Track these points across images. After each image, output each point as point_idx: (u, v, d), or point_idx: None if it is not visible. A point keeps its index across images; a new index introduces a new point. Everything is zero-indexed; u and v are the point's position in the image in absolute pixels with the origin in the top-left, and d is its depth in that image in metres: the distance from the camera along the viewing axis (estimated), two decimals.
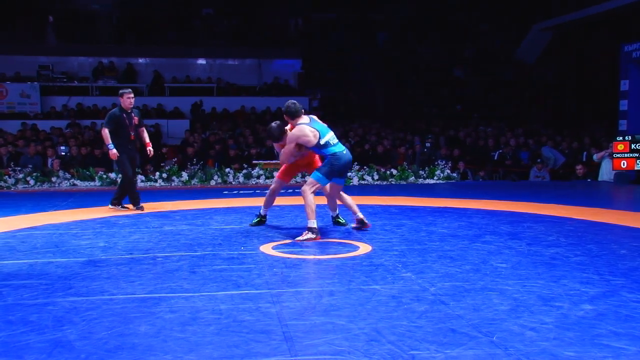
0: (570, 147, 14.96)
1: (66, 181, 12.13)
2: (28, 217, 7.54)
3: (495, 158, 14.35)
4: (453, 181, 12.96)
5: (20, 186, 11.56)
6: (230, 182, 12.47)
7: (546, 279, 4.17)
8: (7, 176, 11.64)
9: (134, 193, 8.13)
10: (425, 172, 13.06)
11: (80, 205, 8.81)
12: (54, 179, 12.07)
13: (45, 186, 11.86)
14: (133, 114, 7.92)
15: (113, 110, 7.96)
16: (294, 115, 6.00)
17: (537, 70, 22.55)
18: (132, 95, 7.92)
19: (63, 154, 13.59)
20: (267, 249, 5.39)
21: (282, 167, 6.64)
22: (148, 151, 8.13)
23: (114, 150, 7.72)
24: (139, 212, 7.94)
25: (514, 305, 3.54)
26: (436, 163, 13.35)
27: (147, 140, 8.16)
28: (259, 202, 9.24)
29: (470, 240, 5.76)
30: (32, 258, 5.04)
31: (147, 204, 8.49)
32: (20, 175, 11.69)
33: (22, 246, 5.61)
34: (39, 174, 12.01)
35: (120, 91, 7.99)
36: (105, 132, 7.74)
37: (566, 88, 22.01)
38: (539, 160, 13.74)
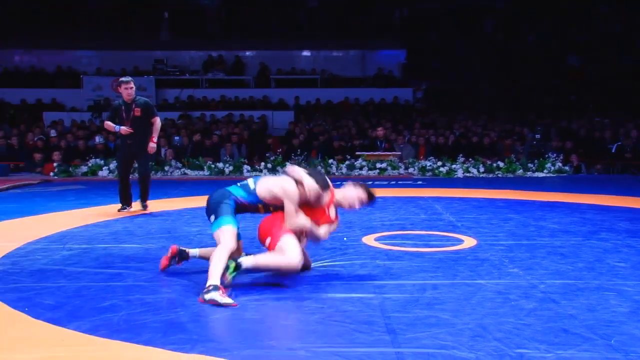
0: None
1: (178, 170, 12.76)
2: None
3: (613, 151, 13.48)
4: (565, 175, 12.34)
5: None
6: (334, 173, 12.58)
7: None
8: None
9: (123, 192, 7.31)
10: (534, 165, 12.52)
11: (190, 193, 9.23)
12: (166, 168, 12.73)
13: (159, 175, 12.54)
14: (134, 106, 7.12)
15: (118, 101, 7.33)
16: None
17: None
18: (131, 85, 7.12)
19: (177, 144, 14.29)
20: (369, 240, 5.38)
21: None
22: (149, 147, 7.25)
23: (124, 127, 7.05)
24: (125, 214, 7.12)
25: (634, 308, 3.31)
26: (547, 155, 12.76)
27: (153, 134, 7.27)
28: None
29: (583, 236, 5.46)
30: (147, 243, 5.35)
31: None
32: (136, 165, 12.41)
33: (139, 231, 5.97)
34: (153, 163, 12.70)
35: (119, 80, 7.39)
36: (106, 123, 7.24)
37: None
38: None
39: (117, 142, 7.58)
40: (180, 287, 3.83)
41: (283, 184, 3.94)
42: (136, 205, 7.42)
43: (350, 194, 4.07)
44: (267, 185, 4.00)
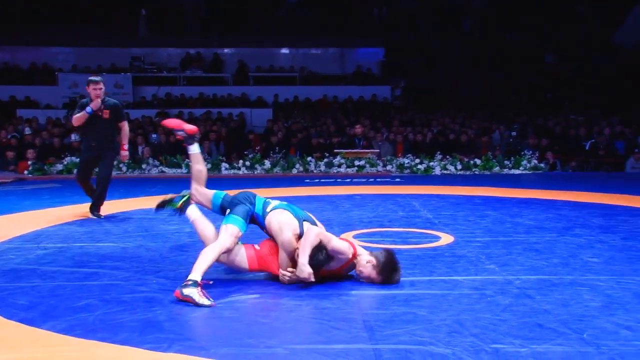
0: None
1: (155, 168, 12.67)
2: (121, 202, 7.92)
3: (587, 148, 13.69)
4: (540, 172, 12.50)
5: (113, 172, 12.16)
6: (312, 171, 12.59)
7: None
8: None
9: (86, 191, 6.90)
10: (510, 162, 12.68)
11: (168, 191, 9.10)
12: (144, 166, 12.63)
13: (136, 173, 12.43)
14: (103, 107, 6.63)
15: (86, 99, 6.75)
16: None
17: (638, 55, 21.19)
18: (100, 86, 6.56)
19: (154, 142, 14.18)
20: (347, 237, 5.38)
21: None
22: (122, 155, 7.05)
23: (94, 103, 6.53)
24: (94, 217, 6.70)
25: (606, 302, 3.37)
26: (523, 153, 12.92)
27: (124, 140, 6.96)
28: (339, 190, 9.30)
29: (558, 232, 5.53)
30: (124, 241, 5.30)
31: (230, 191, 8.68)
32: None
33: (116, 229, 5.91)
34: (130, 161, 12.58)
35: (88, 79, 6.74)
36: (75, 117, 6.65)
37: None
38: (636, 150, 12.99)
39: (80, 142, 7.15)
40: (157, 286, 3.80)
41: (283, 225, 3.84)
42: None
43: (366, 270, 3.78)
44: (272, 215, 3.94)
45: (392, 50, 21.13)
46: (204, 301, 3.34)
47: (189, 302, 3.36)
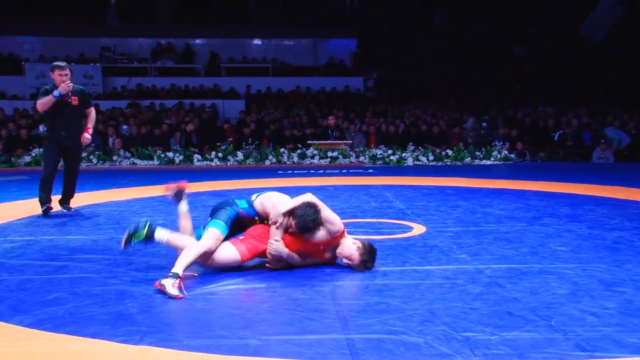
0: (637, 128, 14.33)
1: (126, 160, 12.51)
2: (91, 194, 7.81)
3: (556, 139, 13.91)
4: (510, 162, 12.68)
5: (83, 164, 11.99)
6: (285, 162, 12.57)
7: (608, 263, 4.03)
8: None
9: (47, 191, 6.31)
10: (481, 153, 12.82)
11: (139, 183, 9.05)
12: (115, 158, 12.47)
13: (107, 164, 12.27)
14: (70, 94, 6.27)
15: (49, 85, 6.37)
16: None
17: (605, 47, 21.57)
18: (66, 72, 6.19)
19: (125, 133, 14.00)
20: None
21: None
22: (82, 137, 6.46)
23: (63, 85, 6.14)
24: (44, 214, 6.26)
25: (573, 290, 3.45)
26: (493, 144, 13.08)
27: (89, 124, 6.55)
28: (312, 182, 9.29)
29: (527, 222, 5.63)
30: (95, 234, 5.23)
31: (203, 183, 8.61)
32: (84, 154, 12.11)
33: (86, 222, 5.83)
34: (101, 153, 12.41)
35: (53, 64, 6.38)
36: (39, 102, 6.21)
37: (636, 66, 20.97)
38: (602, 141, 13.25)
39: (45, 132, 6.64)
40: (129, 278, 3.77)
41: (275, 202, 3.96)
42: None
43: (348, 250, 3.89)
44: (262, 198, 4.07)
45: (365, 41, 21.15)
46: (173, 292, 3.35)
47: (161, 291, 3.40)
